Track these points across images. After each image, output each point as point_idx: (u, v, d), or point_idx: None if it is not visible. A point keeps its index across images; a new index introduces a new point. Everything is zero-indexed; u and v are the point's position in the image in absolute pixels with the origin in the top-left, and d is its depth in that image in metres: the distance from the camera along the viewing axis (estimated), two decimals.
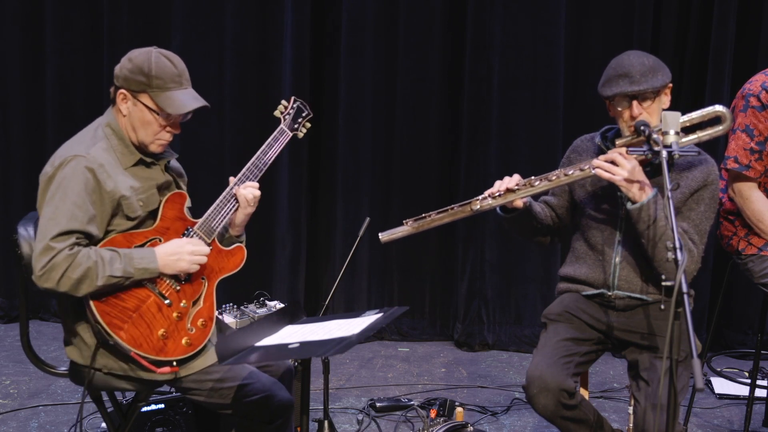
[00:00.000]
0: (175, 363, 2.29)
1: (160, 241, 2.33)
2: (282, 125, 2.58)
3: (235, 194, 2.46)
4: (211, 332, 2.39)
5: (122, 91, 2.34)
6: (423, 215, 2.61)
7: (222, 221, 2.44)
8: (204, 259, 2.36)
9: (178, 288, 2.34)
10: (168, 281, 2.32)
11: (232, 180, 2.48)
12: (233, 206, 2.46)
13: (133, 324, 2.24)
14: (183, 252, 2.30)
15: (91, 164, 2.25)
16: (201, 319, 2.36)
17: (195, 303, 2.37)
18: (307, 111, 2.65)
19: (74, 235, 2.19)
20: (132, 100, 2.34)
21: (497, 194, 2.55)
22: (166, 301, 2.31)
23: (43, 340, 4.42)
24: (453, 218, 2.61)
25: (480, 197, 2.57)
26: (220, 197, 2.44)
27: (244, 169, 2.48)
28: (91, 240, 2.24)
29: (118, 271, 2.19)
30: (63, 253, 2.15)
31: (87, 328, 2.32)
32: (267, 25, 4.56)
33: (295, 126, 2.62)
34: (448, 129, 4.58)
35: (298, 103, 2.63)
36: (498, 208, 2.63)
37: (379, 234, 2.65)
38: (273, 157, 2.52)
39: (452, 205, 2.61)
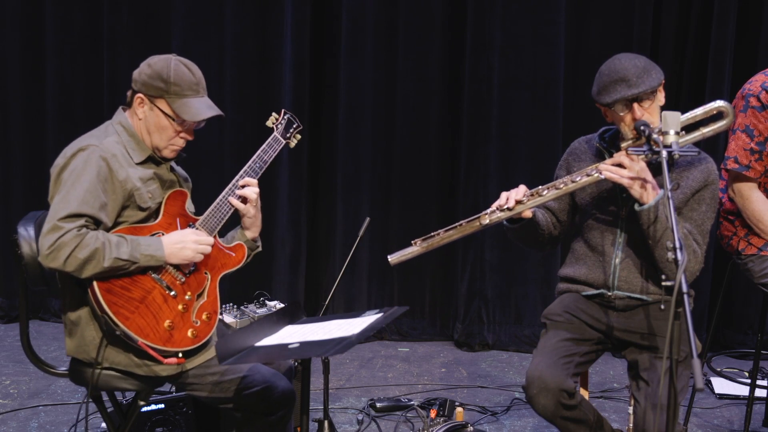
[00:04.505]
0: (181, 354, 2.31)
1: (163, 234, 2.35)
2: (275, 133, 2.62)
3: (235, 191, 2.47)
4: (215, 326, 2.41)
5: (140, 95, 2.39)
6: (432, 234, 2.56)
7: (223, 218, 2.46)
8: (208, 249, 2.38)
9: (183, 280, 2.36)
10: (173, 273, 2.34)
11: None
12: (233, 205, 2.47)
13: (140, 314, 2.26)
14: (187, 241, 2.33)
15: (105, 153, 2.30)
16: (206, 313, 2.39)
17: (199, 296, 2.40)
18: (297, 123, 2.68)
19: (83, 218, 2.22)
20: (149, 105, 2.38)
21: (505, 207, 2.52)
22: (171, 293, 2.33)
23: (43, 340, 4.42)
24: (462, 234, 2.56)
25: (488, 211, 2.53)
26: (221, 195, 2.46)
27: (243, 169, 2.50)
28: (99, 227, 2.27)
29: (124, 254, 2.22)
30: (71, 232, 2.17)
31: (89, 324, 2.33)
32: (267, 25, 4.56)
33: (287, 135, 2.65)
34: (448, 129, 4.58)
35: (288, 115, 2.67)
36: (504, 220, 2.60)
37: (388, 256, 2.60)
38: (269, 161, 2.56)
39: (461, 222, 2.56)
